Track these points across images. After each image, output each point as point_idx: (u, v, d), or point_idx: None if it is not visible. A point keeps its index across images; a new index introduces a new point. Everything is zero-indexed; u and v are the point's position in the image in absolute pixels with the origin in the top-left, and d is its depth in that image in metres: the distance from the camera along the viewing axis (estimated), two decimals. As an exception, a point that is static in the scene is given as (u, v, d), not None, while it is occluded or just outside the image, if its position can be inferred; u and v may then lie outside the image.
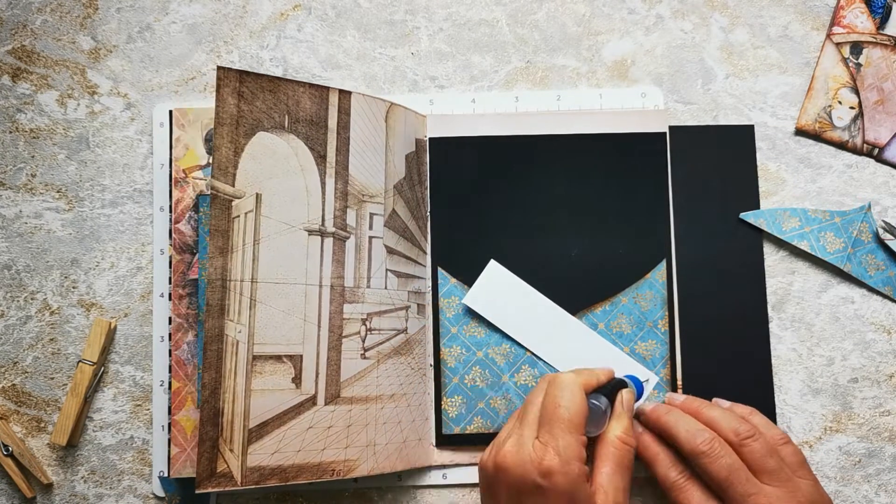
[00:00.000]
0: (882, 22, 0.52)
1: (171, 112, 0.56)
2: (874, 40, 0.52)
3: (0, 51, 0.59)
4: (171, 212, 0.56)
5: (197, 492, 0.48)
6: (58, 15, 0.59)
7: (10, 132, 0.58)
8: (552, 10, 0.60)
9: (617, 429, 0.48)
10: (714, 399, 0.54)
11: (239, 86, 0.50)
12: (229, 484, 0.48)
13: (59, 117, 0.59)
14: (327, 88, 0.52)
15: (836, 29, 0.52)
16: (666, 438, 0.51)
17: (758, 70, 0.60)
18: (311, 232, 0.51)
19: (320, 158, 0.52)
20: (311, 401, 0.51)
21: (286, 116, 0.51)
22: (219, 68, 0.49)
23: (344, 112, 0.52)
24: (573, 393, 0.46)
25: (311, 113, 0.52)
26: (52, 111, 0.59)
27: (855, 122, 0.52)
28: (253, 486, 0.48)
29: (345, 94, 0.53)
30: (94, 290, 0.57)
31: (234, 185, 0.50)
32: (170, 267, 0.56)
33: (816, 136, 0.54)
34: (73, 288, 0.57)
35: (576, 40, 0.60)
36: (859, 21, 0.52)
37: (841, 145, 0.52)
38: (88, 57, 0.59)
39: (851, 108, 0.52)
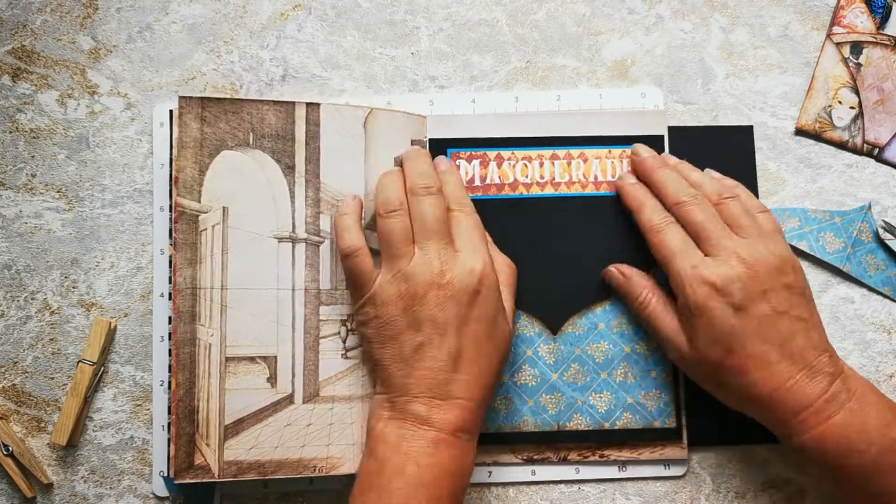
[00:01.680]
0: (882, 22, 0.52)
1: (171, 112, 0.56)
2: (874, 40, 0.52)
3: (0, 51, 0.59)
4: (171, 212, 0.56)
5: (175, 482, 0.50)
6: (58, 15, 0.59)
7: (10, 132, 0.58)
8: (552, 10, 0.60)
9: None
10: (707, 169, 0.56)
11: (201, 111, 0.52)
12: (207, 476, 0.51)
13: (59, 117, 0.59)
14: (293, 103, 0.54)
15: (836, 29, 0.52)
16: (654, 192, 0.54)
17: (758, 70, 0.60)
18: (280, 239, 0.53)
19: (288, 169, 0.53)
20: (288, 399, 0.52)
21: (251, 134, 0.53)
22: (180, 98, 0.52)
23: (312, 123, 0.54)
24: (470, 209, 0.52)
25: (277, 128, 0.53)
26: (52, 111, 0.59)
27: (855, 122, 0.52)
28: (231, 479, 0.51)
29: (312, 107, 0.54)
30: (94, 290, 0.57)
31: (199, 202, 0.52)
32: (170, 267, 0.56)
33: (817, 136, 0.54)
34: (73, 288, 0.57)
35: (576, 40, 0.60)
36: (859, 21, 0.52)
37: (841, 145, 0.52)
38: (88, 57, 0.59)
39: (851, 107, 0.52)
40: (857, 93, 0.53)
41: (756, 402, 0.48)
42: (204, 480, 0.51)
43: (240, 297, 0.52)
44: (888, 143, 0.51)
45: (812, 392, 0.47)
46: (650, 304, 0.53)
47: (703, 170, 0.55)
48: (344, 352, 0.54)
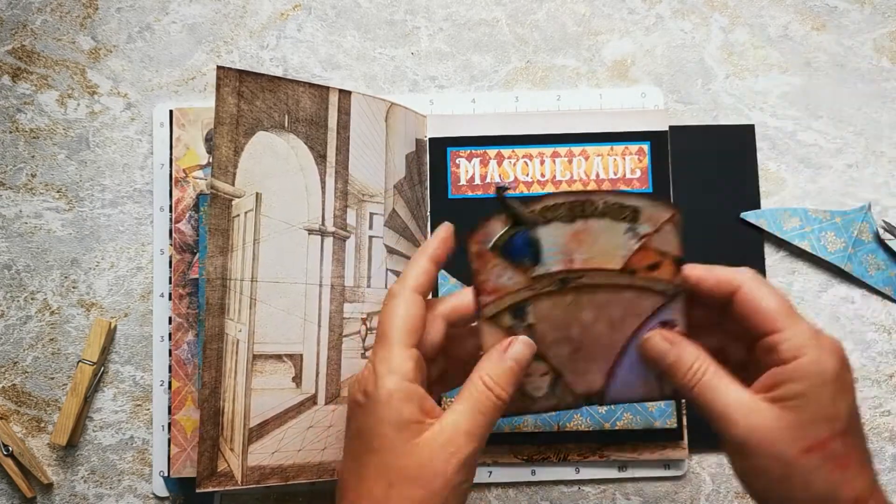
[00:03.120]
0: (533, 261, 0.42)
1: (171, 112, 0.56)
2: (533, 292, 0.42)
3: (0, 51, 0.59)
4: (171, 212, 0.56)
5: (198, 491, 0.47)
6: (58, 15, 0.59)
7: (10, 132, 0.58)
8: (552, 10, 0.60)
9: (485, 369, 0.40)
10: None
11: (239, 85, 0.49)
12: (230, 483, 0.48)
13: (59, 117, 0.59)
14: (327, 88, 0.52)
15: (482, 299, 0.42)
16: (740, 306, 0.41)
17: (758, 70, 0.60)
18: (311, 231, 0.51)
19: (320, 158, 0.52)
20: (312, 400, 0.51)
21: (286, 116, 0.51)
22: (218, 68, 0.49)
23: (344, 112, 0.52)
24: (394, 301, 0.41)
25: (311, 112, 0.51)
26: (52, 111, 0.59)
27: (554, 385, 0.43)
28: (254, 486, 0.48)
29: (345, 94, 0.53)
30: (94, 290, 0.57)
31: (233, 185, 0.49)
32: (170, 267, 0.56)
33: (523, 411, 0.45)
34: (73, 288, 0.57)
35: (576, 40, 0.60)
36: (505, 277, 0.42)
37: (554, 407, 0.44)
38: (88, 57, 0.59)
39: (543, 374, 0.43)
40: (543, 359, 0.43)
41: None
42: (226, 489, 0.48)
43: (269, 290, 0.50)
44: (607, 386, 0.45)
45: None
46: (706, 374, 0.40)
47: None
48: (363, 351, 0.53)
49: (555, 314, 0.43)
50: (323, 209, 0.51)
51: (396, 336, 0.40)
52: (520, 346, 0.41)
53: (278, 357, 0.50)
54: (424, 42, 0.60)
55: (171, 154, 0.56)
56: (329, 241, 0.52)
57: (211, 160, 0.50)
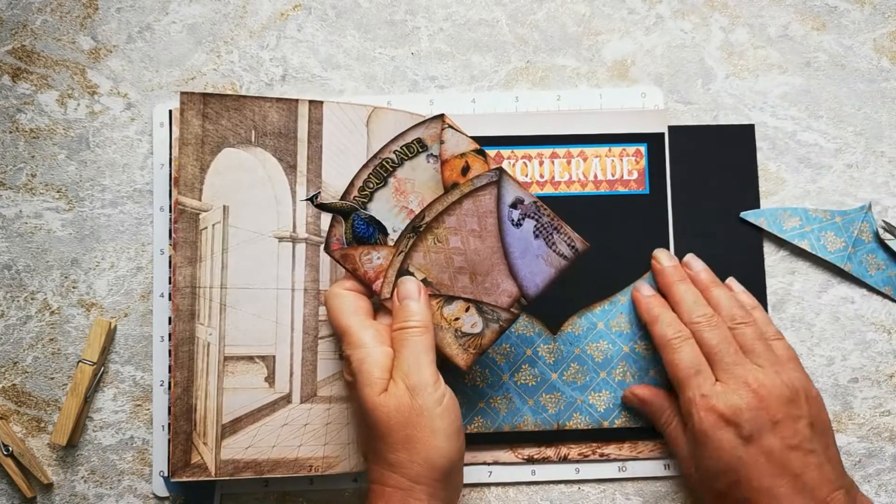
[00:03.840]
0: (384, 232, 0.49)
1: (171, 112, 0.56)
2: (402, 254, 0.49)
3: (0, 51, 0.59)
4: (171, 212, 0.56)
5: (172, 480, 0.51)
6: (58, 15, 0.59)
7: (10, 132, 0.58)
8: (552, 10, 0.60)
9: (397, 321, 0.47)
10: (728, 280, 0.56)
11: (203, 107, 0.52)
12: (203, 474, 0.51)
13: (59, 117, 0.59)
14: (296, 101, 0.53)
15: (374, 287, 0.49)
16: (671, 304, 0.53)
17: (758, 70, 0.59)
18: (281, 239, 0.53)
19: (290, 168, 0.53)
20: (286, 399, 0.52)
21: (252, 131, 0.53)
22: (182, 94, 0.51)
23: (315, 122, 0.54)
24: (335, 300, 0.48)
25: (280, 126, 0.53)
26: (52, 111, 0.59)
27: (483, 313, 0.49)
28: (227, 477, 0.51)
29: (315, 105, 0.54)
30: (94, 290, 0.57)
31: (200, 200, 0.52)
32: (170, 267, 0.56)
33: None
34: (73, 288, 0.57)
35: (576, 40, 0.60)
36: (375, 258, 0.49)
37: (500, 331, 0.49)
38: (88, 57, 0.59)
39: (467, 310, 0.49)
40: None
41: None
42: (200, 479, 0.51)
43: (239, 296, 0.52)
44: (521, 285, 0.49)
45: None
46: (671, 425, 0.53)
47: (720, 275, 0.55)
48: (341, 352, 0.54)
49: (431, 258, 0.49)
50: (294, 217, 0.53)
51: (354, 322, 0.47)
52: (403, 285, 0.48)
53: (250, 358, 0.52)
54: (424, 42, 0.60)
55: (170, 154, 0.56)
56: (302, 247, 0.53)
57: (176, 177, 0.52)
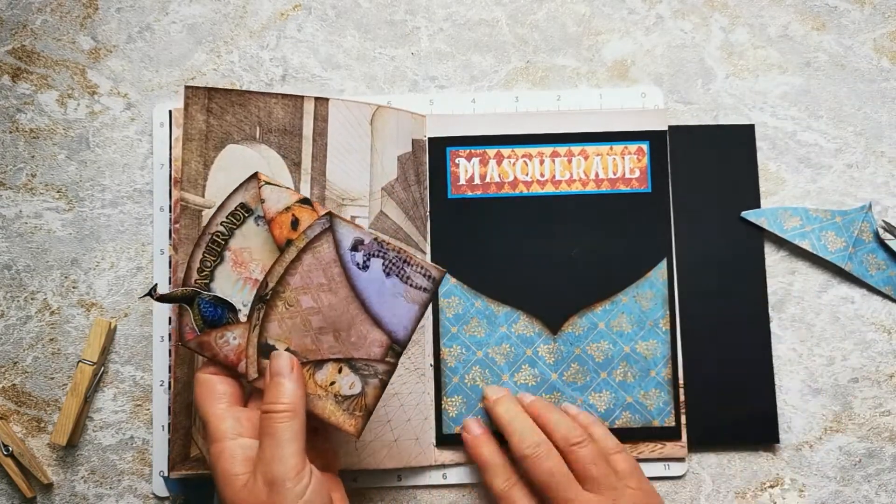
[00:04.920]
0: (233, 310, 0.46)
1: (170, 112, 0.56)
2: (258, 327, 0.46)
3: (0, 51, 0.59)
4: (171, 212, 0.56)
5: (171, 476, 0.51)
6: (58, 15, 0.59)
7: (10, 132, 0.58)
8: (552, 10, 0.60)
9: (266, 399, 0.44)
10: (564, 405, 0.55)
11: (208, 102, 0.51)
12: (202, 467, 0.51)
13: (59, 117, 0.59)
14: (301, 97, 0.53)
15: (239, 368, 0.46)
16: (503, 434, 0.52)
17: (758, 70, 0.60)
18: None
19: (294, 166, 0.53)
20: None
21: (257, 128, 0.52)
22: (186, 88, 0.50)
23: (320, 119, 0.53)
24: (201, 390, 0.45)
25: (284, 122, 0.53)
26: (52, 111, 0.59)
27: (358, 371, 0.46)
28: None
29: (321, 102, 0.53)
30: (94, 290, 0.57)
31: (203, 196, 0.51)
32: (170, 267, 0.56)
33: None
34: (73, 288, 0.57)
35: (576, 40, 0.60)
36: (231, 339, 0.46)
37: (383, 385, 0.47)
38: (88, 57, 0.59)
39: (340, 371, 0.46)
40: None
41: None
42: (199, 472, 0.50)
43: None
44: (390, 332, 0.46)
45: None
46: (514, 486, 0.51)
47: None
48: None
49: (287, 325, 0.46)
50: None
51: (202, 406, 0.45)
52: (275, 360, 0.45)
53: None
54: (424, 42, 0.60)
55: (171, 154, 0.56)
56: None
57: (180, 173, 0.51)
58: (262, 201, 0.45)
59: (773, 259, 0.58)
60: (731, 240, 0.57)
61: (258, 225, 0.45)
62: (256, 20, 0.60)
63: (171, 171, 0.56)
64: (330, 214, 0.45)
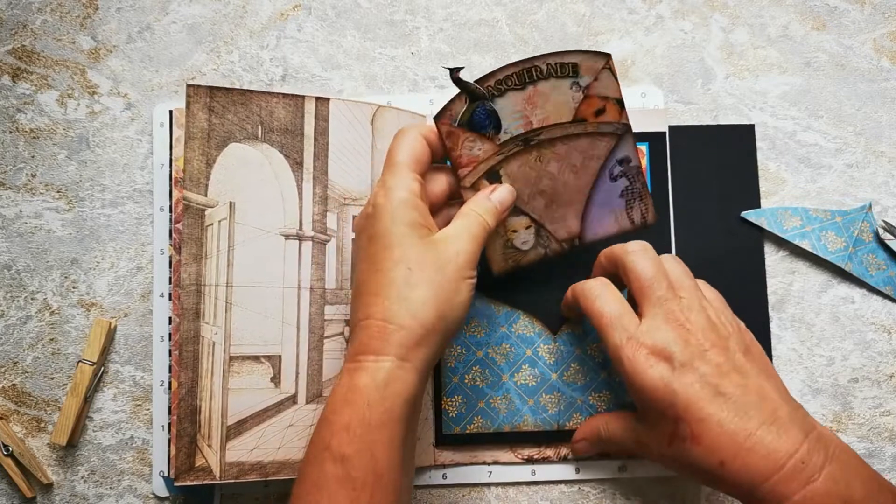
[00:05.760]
0: (497, 130, 0.49)
1: (171, 112, 0.56)
2: (501, 156, 0.49)
3: (0, 51, 0.59)
4: (171, 212, 0.56)
5: (175, 484, 0.50)
6: (58, 15, 0.59)
7: (10, 132, 0.58)
8: (552, 10, 0.60)
9: (474, 203, 0.47)
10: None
11: (209, 101, 0.51)
12: (208, 477, 0.50)
13: (59, 117, 0.59)
14: (303, 97, 0.53)
15: (461, 172, 0.49)
16: (620, 271, 0.49)
17: (758, 70, 0.60)
18: (287, 236, 0.53)
19: (296, 165, 0.53)
20: (292, 399, 0.52)
21: (259, 127, 0.52)
22: (188, 86, 0.51)
23: (322, 119, 0.53)
24: (403, 136, 0.47)
25: (286, 122, 0.53)
26: (52, 111, 0.59)
27: (538, 236, 0.50)
28: (232, 480, 0.50)
29: (322, 101, 0.53)
30: (94, 290, 0.57)
31: (206, 195, 0.51)
32: (170, 267, 0.56)
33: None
34: (73, 288, 0.57)
35: (576, 40, 0.60)
36: (476, 149, 0.48)
37: (542, 256, 0.51)
38: (88, 57, 0.59)
39: (527, 227, 0.50)
40: (523, 213, 0.50)
41: (721, 477, 0.42)
42: (205, 482, 0.50)
43: (245, 294, 0.52)
44: (583, 230, 0.50)
45: (780, 448, 0.41)
46: (609, 426, 0.52)
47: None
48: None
49: (524, 172, 0.50)
50: (300, 214, 0.53)
51: (405, 161, 0.46)
52: (501, 189, 0.49)
53: (255, 358, 0.52)
54: (424, 42, 0.60)
55: (171, 154, 0.56)
56: (308, 245, 0.53)
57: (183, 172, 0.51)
58: (595, 79, 0.48)
59: (773, 259, 0.58)
60: (731, 240, 0.57)
61: (572, 89, 0.49)
62: (256, 20, 0.60)
63: (171, 172, 0.56)
64: (627, 127, 0.50)
